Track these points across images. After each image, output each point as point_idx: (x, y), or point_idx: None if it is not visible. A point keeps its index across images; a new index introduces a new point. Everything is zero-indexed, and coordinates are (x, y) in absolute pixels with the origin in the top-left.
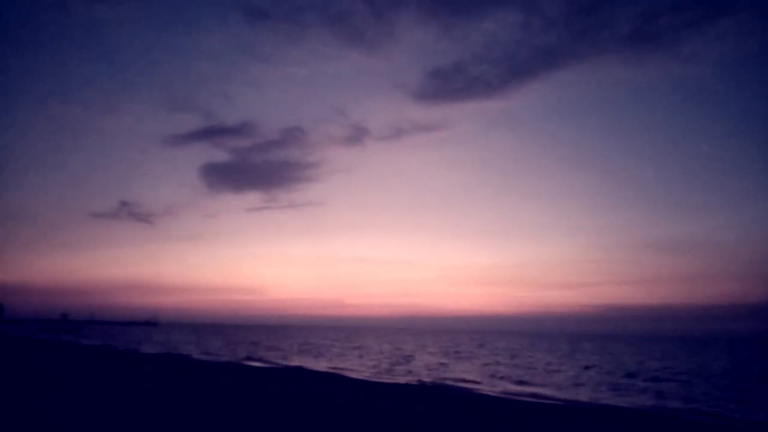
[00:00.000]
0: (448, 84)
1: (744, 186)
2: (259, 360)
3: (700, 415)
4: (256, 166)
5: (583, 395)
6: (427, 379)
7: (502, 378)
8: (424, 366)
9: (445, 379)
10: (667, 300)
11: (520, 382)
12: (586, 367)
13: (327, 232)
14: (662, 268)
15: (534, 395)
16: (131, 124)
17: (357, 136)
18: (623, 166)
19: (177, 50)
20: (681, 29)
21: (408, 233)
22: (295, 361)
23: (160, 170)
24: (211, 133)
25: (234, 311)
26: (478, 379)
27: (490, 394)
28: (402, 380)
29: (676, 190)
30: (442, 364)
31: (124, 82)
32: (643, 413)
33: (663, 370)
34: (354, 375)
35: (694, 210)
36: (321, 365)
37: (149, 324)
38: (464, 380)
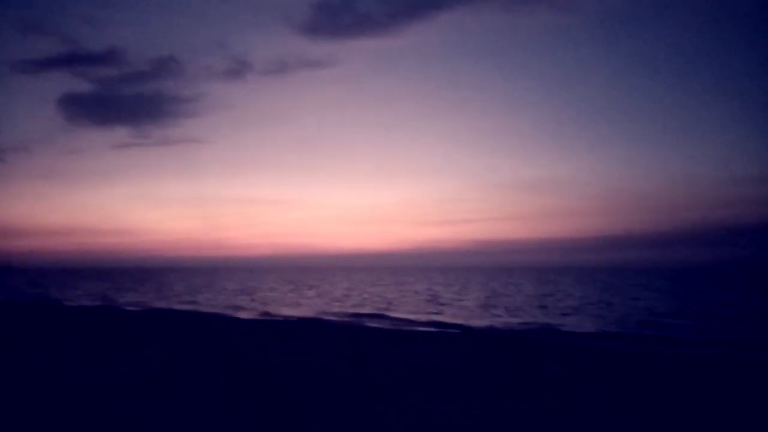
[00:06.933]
0: (336, 19)
1: (603, 130)
2: (130, 303)
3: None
4: (123, 99)
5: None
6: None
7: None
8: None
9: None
10: (538, 234)
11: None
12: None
13: (206, 171)
14: (533, 206)
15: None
16: None
17: (238, 69)
18: (500, 110)
19: None
20: None
21: (292, 172)
22: (162, 304)
23: (11, 101)
24: (71, 60)
25: (102, 254)
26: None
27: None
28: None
29: (547, 133)
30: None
31: None
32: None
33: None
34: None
35: (562, 152)
36: (188, 306)
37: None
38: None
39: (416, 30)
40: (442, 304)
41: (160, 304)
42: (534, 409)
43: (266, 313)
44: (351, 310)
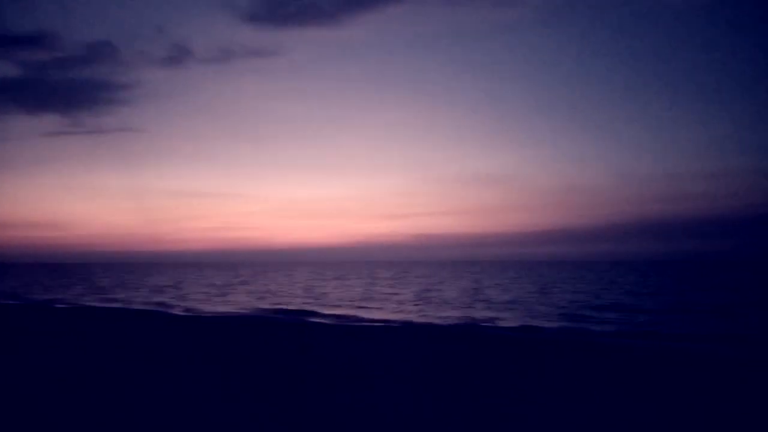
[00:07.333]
0: (280, 7)
1: (550, 125)
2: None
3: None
4: (54, 85)
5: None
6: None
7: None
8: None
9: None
10: (484, 229)
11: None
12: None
13: (142, 162)
14: (479, 200)
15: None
16: None
17: (178, 57)
18: (448, 104)
19: None
20: None
21: (233, 164)
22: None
23: None
24: None
25: (31, 249)
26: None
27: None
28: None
29: (493, 128)
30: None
31: None
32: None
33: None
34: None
35: (508, 147)
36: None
37: None
38: None
39: (363, 22)
40: (379, 299)
41: (84, 301)
42: (476, 399)
43: (192, 310)
44: (284, 306)
